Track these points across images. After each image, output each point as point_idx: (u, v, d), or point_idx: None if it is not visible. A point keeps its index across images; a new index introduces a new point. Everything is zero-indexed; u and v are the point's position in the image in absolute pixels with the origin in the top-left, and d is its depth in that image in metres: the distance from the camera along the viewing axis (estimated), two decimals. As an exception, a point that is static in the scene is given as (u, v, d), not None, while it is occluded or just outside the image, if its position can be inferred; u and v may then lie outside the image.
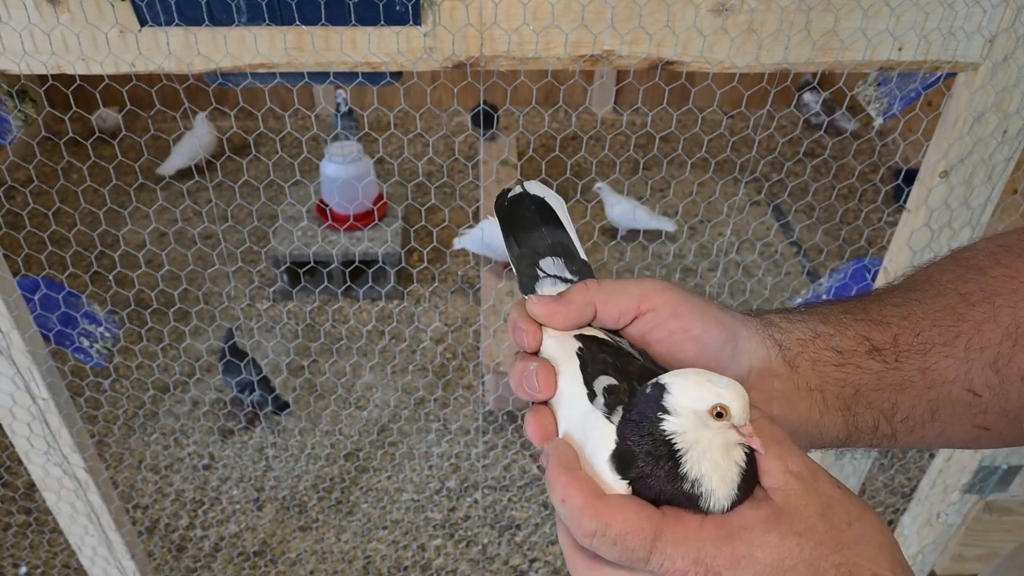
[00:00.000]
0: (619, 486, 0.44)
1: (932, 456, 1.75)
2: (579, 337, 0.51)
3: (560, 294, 0.53)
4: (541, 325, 0.53)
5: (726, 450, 0.43)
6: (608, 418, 0.46)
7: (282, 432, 2.20)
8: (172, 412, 2.24)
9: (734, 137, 3.45)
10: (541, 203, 0.59)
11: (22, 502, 1.97)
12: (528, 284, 0.56)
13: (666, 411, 0.43)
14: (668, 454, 0.43)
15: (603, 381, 0.47)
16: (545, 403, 0.51)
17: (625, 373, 0.48)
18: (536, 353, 0.53)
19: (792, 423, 0.51)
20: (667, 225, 2.78)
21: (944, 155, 0.96)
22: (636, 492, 0.44)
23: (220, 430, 2.19)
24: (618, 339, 0.52)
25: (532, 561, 1.91)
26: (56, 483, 1.19)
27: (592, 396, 0.47)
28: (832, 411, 0.51)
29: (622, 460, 0.44)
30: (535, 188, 0.60)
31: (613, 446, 0.45)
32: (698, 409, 0.43)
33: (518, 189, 0.60)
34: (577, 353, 0.50)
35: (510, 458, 2.14)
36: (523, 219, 0.58)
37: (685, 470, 0.43)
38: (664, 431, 0.43)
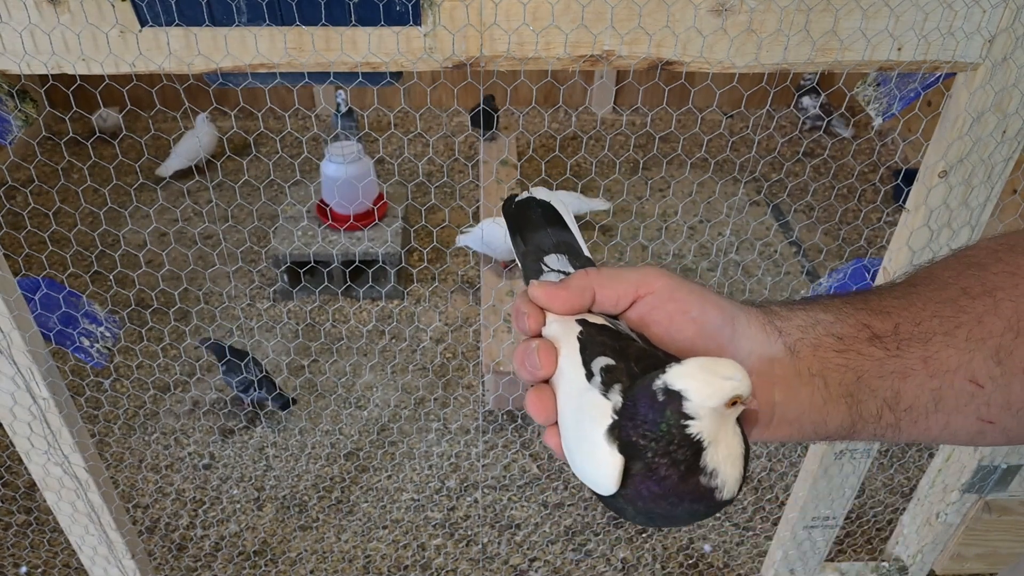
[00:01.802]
0: (615, 458, 0.45)
1: (931, 456, 1.75)
2: (580, 322, 0.53)
3: (561, 280, 0.55)
4: (543, 311, 0.54)
5: (734, 432, 0.45)
6: (605, 395, 0.47)
7: (282, 432, 2.20)
8: (172, 412, 2.24)
9: (733, 137, 3.46)
10: (547, 206, 0.62)
11: (22, 502, 1.97)
12: (532, 278, 0.58)
13: (690, 417, 0.44)
14: (694, 454, 0.44)
15: (600, 361, 0.49)
16: (546, 382, 0.52)
17: (623, 354, 0.49)
18: (538, 337, 0.54)
19: (795, 410, 0.51)
20: (599, 205, 2.72)
21: (943, 155, 0.96)
22: (635, 489, 0.45)
23: (220, 430, 2.20)
24: (618, 323, 0.53)
25: (532, 560, 1.91)
26: (56, 483, 1.20)
27: (590, 376, 0.49)
28: (835, 398, 0.51)
29: (624, 447, 0.45)
30: (541, 193, 0.63)
31: (609, 421, 0.46)
32: (717, 406, 0.44)
33: (525, 194, 0.63)
34: (578, 336, 0.51)
35: (510, 458, 2.14)
36: (529, 221, 0.61)
37: (704, 463, 0.44)
38: (690, 435, 0.44)
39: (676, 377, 0.45)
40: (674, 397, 0.44)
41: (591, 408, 0.47)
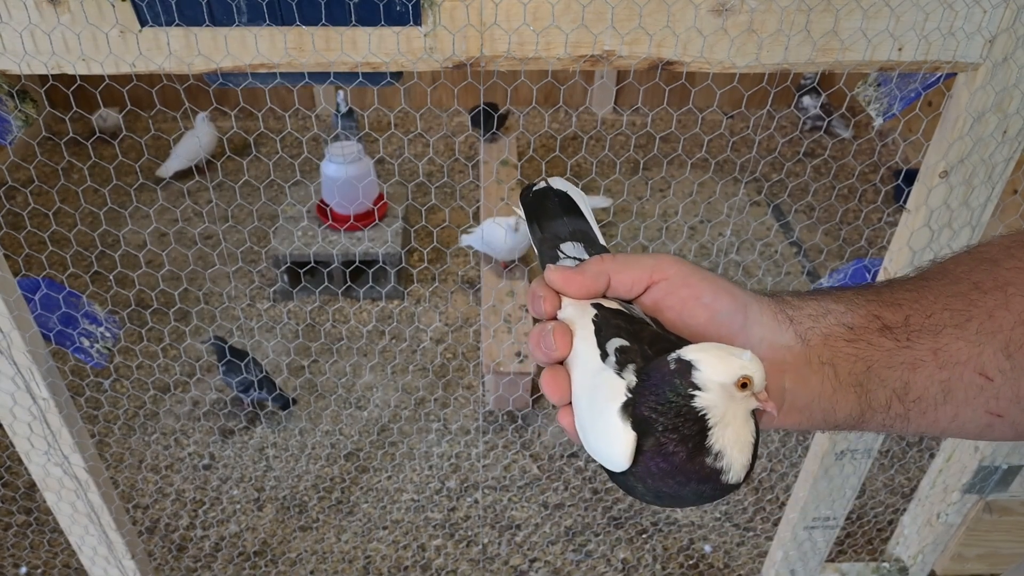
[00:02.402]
0: (628, 434, 0.46)
1: (932, 456, 1.75)
2: (595, 306, 0.54)
3: (577, 265, 0.56)
4: (559, 295, 0.55)
5: (745, 420, 0.46)
6: (619, 375, 0.48)
7: (282, 432, 2.20)
8: (172, 412, 2.24)
9: (734, 137, 3.45)
10: (563, 196, 0.63)
11: (22, 502, 1.97)
12: (549, 263, 0.59)
13: (697, 387, 0.45)
14: (699, 431, 0.45)
15: (615, 343, 0.50)
16: (561, 364, 0.53)
17: (637, 337, 0.50)
18: (554, 320, 0.55)
19: (804, 397, 0.52)
20: (600, 203, 2.74)
21: (944, 155, 0.96)
22: (645, 466, 0.46)
23: (220, 430, 2.19)
24: (632, 308, 0.54)
25: (532, 561, 1.91)
26: (56, 483, 1.20)
27: (604, 356, 0.50)
28: (845, 387, 0.52)
29: (637, 423, 0.46)
30: (558, 183, 0.64)
31: (623, 399, 0.47)
32: (726, 382, 0.45)
33: (542, 184, 0.64)
34: (592, 319, 0.52)
35: (510, 458, 2.14)
36: (546, 209, 0.63)
37: (710, 443, 0.45)
38: (695, 407, 0.45)
39: (691, 352, 0.46)
40: (685, 366, 0.45)
41: (606, 387, 0.48)
